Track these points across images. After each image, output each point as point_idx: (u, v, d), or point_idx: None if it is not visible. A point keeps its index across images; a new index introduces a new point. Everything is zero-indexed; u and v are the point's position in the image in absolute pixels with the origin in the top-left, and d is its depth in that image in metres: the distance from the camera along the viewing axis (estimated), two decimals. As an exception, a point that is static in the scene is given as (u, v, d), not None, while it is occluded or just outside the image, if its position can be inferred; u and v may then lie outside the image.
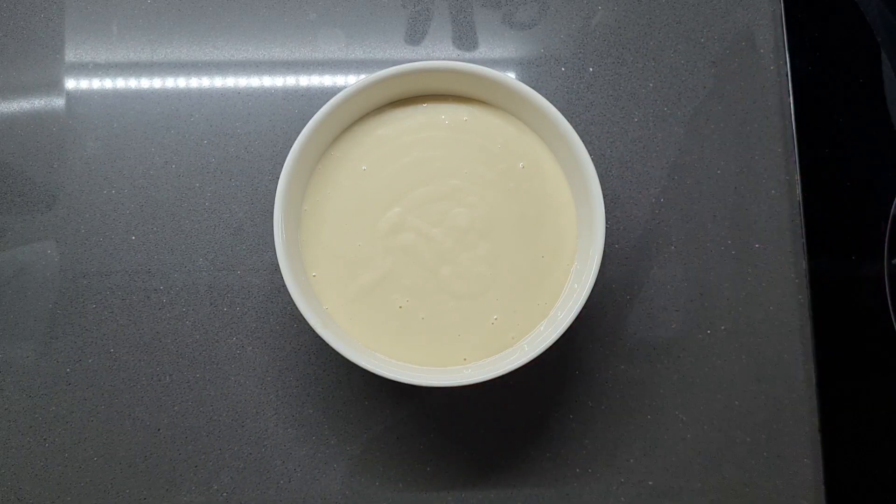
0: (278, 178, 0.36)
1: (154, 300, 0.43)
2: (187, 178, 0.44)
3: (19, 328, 0.42)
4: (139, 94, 0.45)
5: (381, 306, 0.38)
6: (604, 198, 0.37)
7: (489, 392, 0.42)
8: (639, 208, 0.44)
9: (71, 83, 0.45)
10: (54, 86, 0.45)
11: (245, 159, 0.44)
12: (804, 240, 0.44)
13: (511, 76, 0.38)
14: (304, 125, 0.36)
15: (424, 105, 0.40)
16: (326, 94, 0.44)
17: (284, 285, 0.36)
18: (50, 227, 0.43)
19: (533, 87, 0.37)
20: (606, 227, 0.38)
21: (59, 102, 0.45)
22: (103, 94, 0.45)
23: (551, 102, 0.37)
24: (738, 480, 0.42)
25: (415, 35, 0.46)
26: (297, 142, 0.36)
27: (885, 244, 0.44)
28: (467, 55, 0.46)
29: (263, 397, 0.42)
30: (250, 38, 0.46)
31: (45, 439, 0.42)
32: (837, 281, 0.43)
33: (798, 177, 0.44)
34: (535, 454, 0.42)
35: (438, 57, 0.46)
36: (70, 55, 0.45)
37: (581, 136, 0.37)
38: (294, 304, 0.36)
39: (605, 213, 0.37)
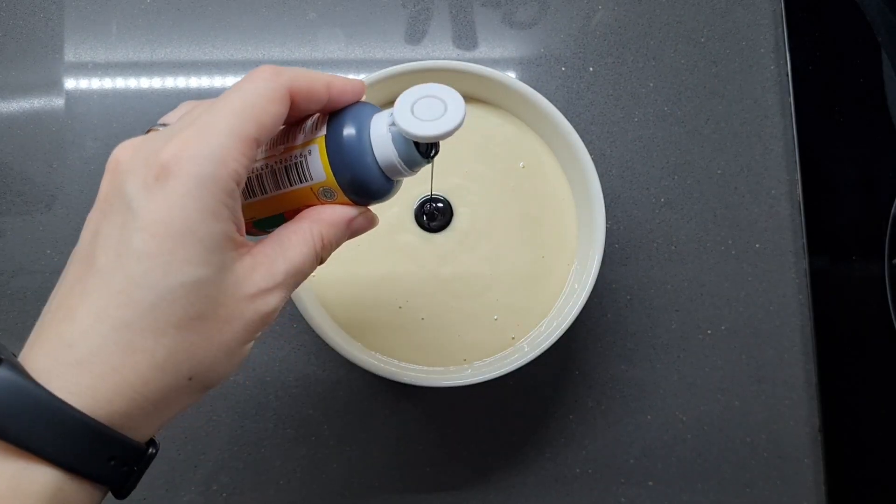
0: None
1: (154, 300, 0.43)
2: (187, 177, 0.44)
3: (19, 328, 0.42)
4: (139, 94, 0.45)
5: (381, 306, 0.38)
6: (604, 197, 0.37)
7: (489, 392, 0.42)
8: (639, 208, 0.44)
9: (70, 83, 0.45)
10: (53, 86, 0.45)
11: (245, 159, 0.44)
12: (804, 240, 0.44)
13: (511, 76, 0.38)
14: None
15: (424, 105, 0.40)
16: (326, 93, 0.44)
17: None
18: (49, 227, 0.43)
19: (533, 87, 0.37)
20: (606, 227, 0.37)
21: (58, 102, 0.44)
22: (103, 94, 0.45)
23: (551, 102, 0.37)
24: (738, 481, 0.42)
25: (415, 35, 0.46)
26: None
27: (886, 244, 0.44)
28: (467, 55, 0.46)
29: (263, 397, 0.42)
30: (250, 37, 0.46)
31: (44, 439, 0.42)
32: (837, 281, 0.43)
33: (798, 177, 0.44)
34: (535, 454, 0.42)
35: (438, 57, 0.46)
36: (69, 55, 0.45)
37: (581, 136, 0.37)
38: (294, 305, 0.36)
39: (606, 212, 0.37)
